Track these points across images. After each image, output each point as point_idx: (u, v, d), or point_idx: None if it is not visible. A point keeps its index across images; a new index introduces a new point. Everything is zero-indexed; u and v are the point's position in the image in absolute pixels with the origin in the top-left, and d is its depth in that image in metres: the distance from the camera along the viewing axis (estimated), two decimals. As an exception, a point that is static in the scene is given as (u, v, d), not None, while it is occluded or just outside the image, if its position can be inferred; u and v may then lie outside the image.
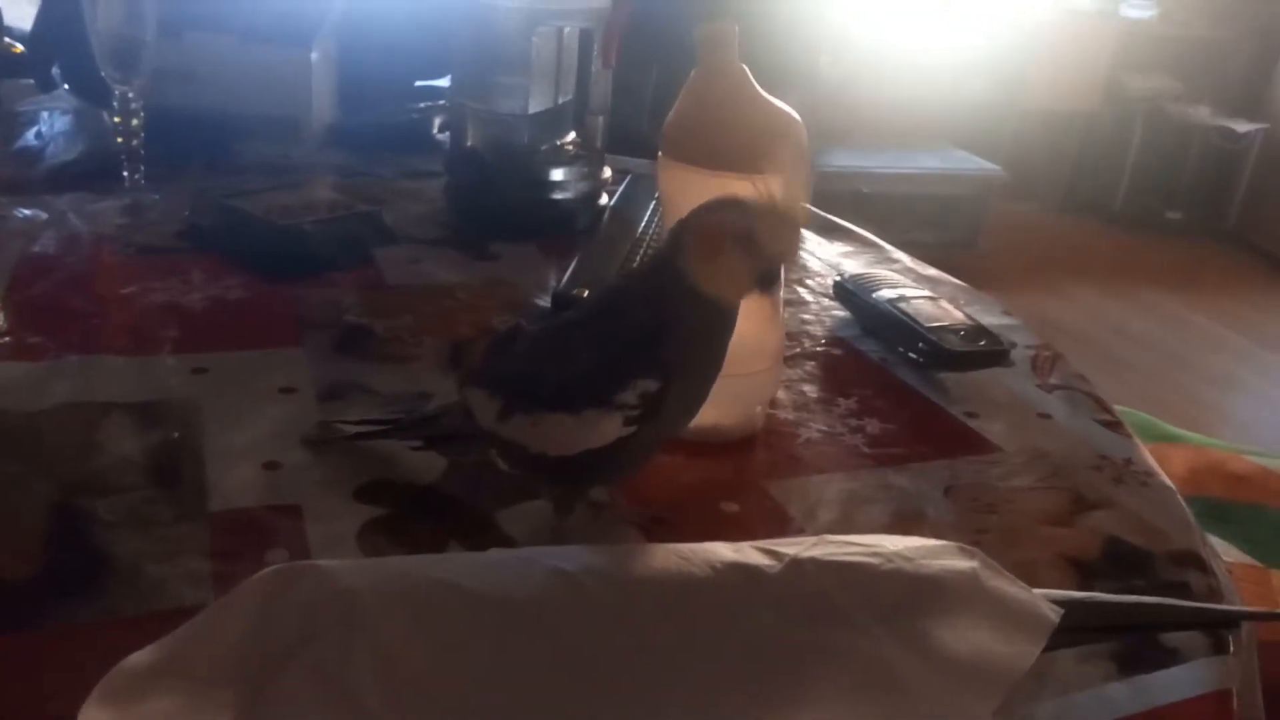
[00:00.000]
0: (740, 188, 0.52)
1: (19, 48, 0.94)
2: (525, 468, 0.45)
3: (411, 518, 0.48)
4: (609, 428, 0.40)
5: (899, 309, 0.72)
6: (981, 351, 0.68)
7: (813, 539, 0.38)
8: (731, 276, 0.42)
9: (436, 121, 1.09)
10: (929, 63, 3.52)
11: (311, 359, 0.62)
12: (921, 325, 0.69)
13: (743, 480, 0.54)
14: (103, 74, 0.75)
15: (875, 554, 0.38)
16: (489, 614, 0.33)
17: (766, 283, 0.43)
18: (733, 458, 0.56)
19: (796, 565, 0.36)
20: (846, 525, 0.50)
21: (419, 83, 1.15)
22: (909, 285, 0.78)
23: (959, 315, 0.72)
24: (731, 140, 0.52)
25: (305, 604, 0.32)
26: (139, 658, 0.32)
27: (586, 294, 0.71)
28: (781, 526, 0.50)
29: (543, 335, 0.47)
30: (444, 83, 1.15)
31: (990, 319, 0.74)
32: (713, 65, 0.52)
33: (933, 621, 0.35)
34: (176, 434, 0.52)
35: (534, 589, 0.33)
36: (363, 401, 0.58)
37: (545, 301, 0.75)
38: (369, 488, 0.49)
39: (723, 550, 0.37)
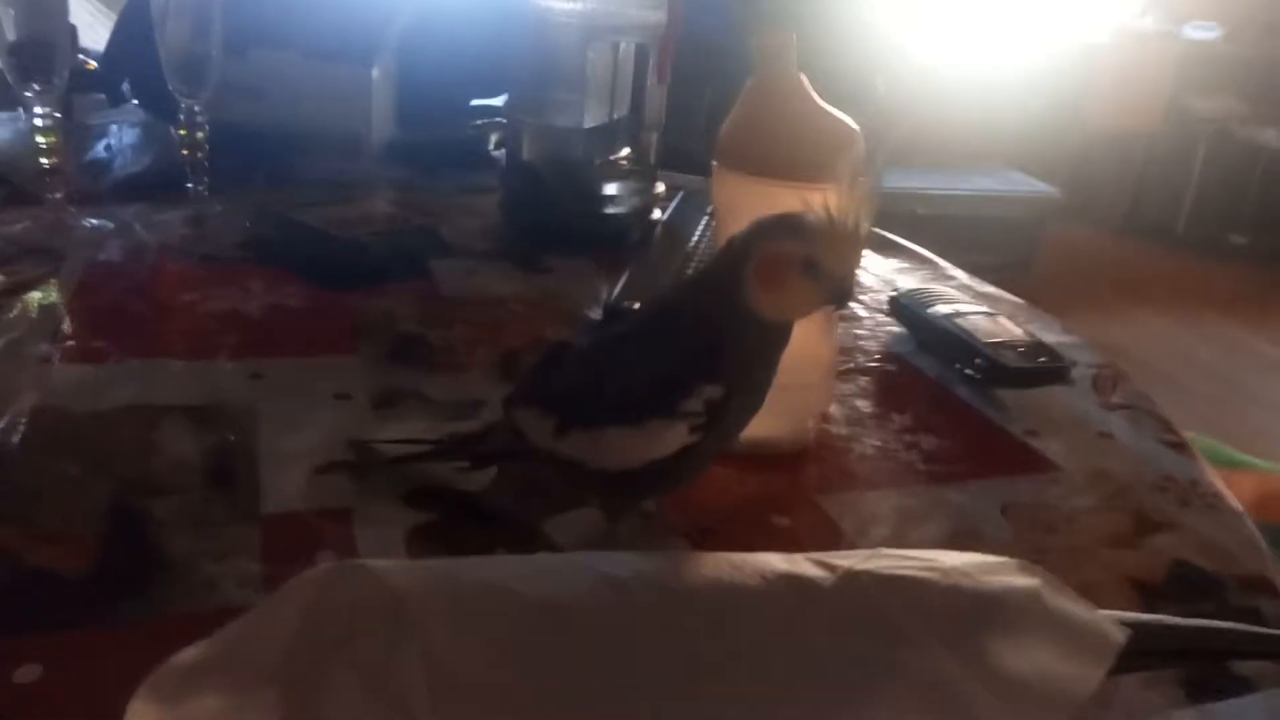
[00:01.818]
0: (797, 198, 0.52)
1: (92, 64, 0.97)
2: (582, 484, 0.44)
3: (460, 524, 0.48)
4: (673, 437, 0.40)
5: (956, 324, 0.70)
6: (1041, 369, 0.66)
7: (867, 552, 0.37)
8: (796, 302, 0.41)
9: (493, 138, 1.10)
10: (987, 83, 3.48)
11: (366, 367, 0.62)
12: (979, 341, 0.68)
13: (794, 494, 0.53)
14: (170, 88, 0.77)
15: (932, 569, 0.36)
16: (536, 618, 0.32)
17: (838, 302, 0.42)
18: (784, 471, 0.56)
19: (851, 578, 0.35)
20: (900, 541, 0.49)
21: (475, 100, 1.17)
22: (966, 301, 0.76)
23: (1017, 332, 0.70)
24: (789, 150, 0.51)
25: (352, 603, 0.32)
26: (187, 655, 0.32)
27: (637, 307, 0.71)
28: (833, 541, 0.49)
29: (594, 349, 0.47)
30: (499, 101, 1.16)
31: (1049, 337, 0.73)
32: (770, 73, 0.52)
33: (993, 640, 0.34)
34: (232, 437, 0.52)
35: (582, 594, 0.33)
36: (416, 409, 0.58)
37: (597, 314, 0.75)
38: (418, 494, 0.49)
39: (775, 561, 0.36)
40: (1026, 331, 0.70)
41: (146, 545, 0.43)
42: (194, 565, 0.42)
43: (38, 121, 0.73)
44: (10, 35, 0.70)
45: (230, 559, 0.43)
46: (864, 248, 0.41)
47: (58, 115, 0.74)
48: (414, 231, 0.85)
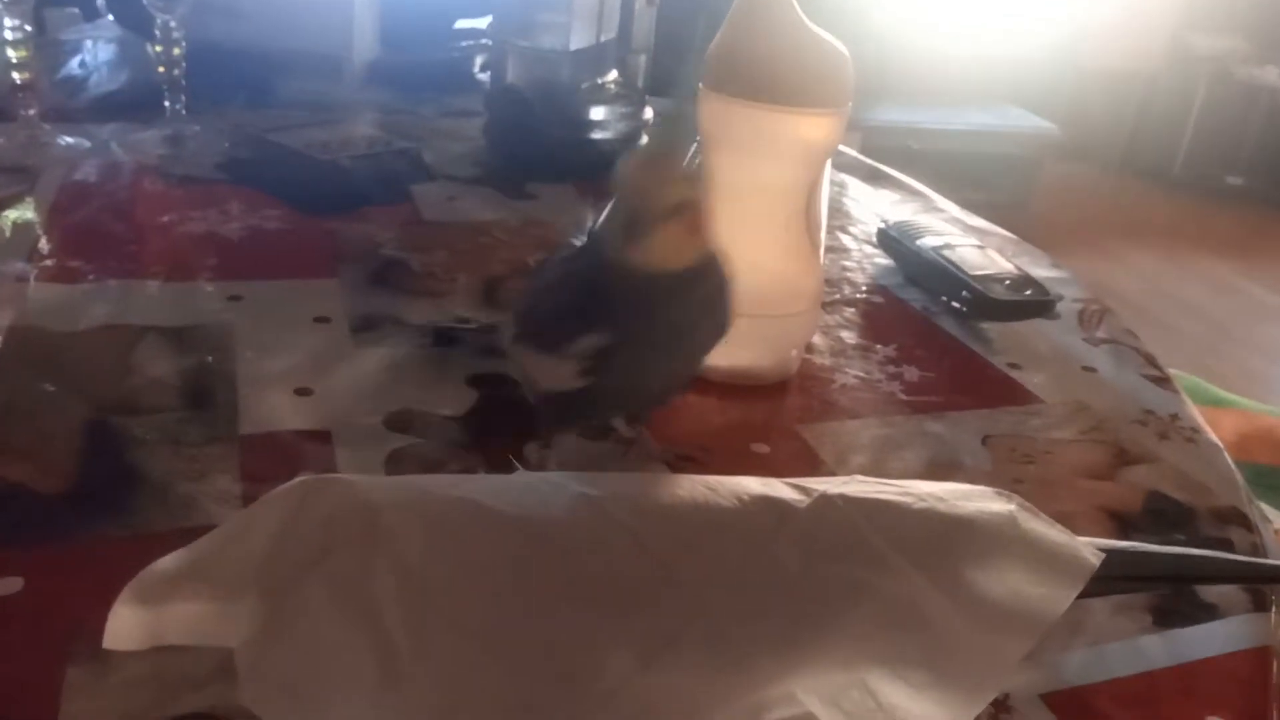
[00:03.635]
0: (786, 123, 0.51)
1: (66, -24, 0.94)
2: (530, 394, 0.47)
3: (440, 447, 0.48)
4: (565, 375, 0.40)
5: (943, 256, 0.70)
6: (1026, 301, 0.66)
7: (844, 478, 0.38)
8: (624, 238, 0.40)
9: (478, 61, 1.07)
10: (984, 17, 3.42)
11: (346, 290, 0.61)
12: (966, 273, 0.67)
13: (774, 422, 0.54)
14: (145, 2, 0.75)
15: (907, 494, 0.37)
16: (511, 534, 0.32)
17: (628, 227, 0.40)
18: (765, 400, 0.56)
19: (826, 501, 0.35)
20: (879, 470, 0.49)
21: (460, 22, 1.14)
22: (955, 234, 0.76)
23: (1006, 265, 0.70)
24: (778, 73, 0.50)
25: (327, 516, 0.32)
26: (167, 562, 0.33)
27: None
28: (812, 469, 0.49)
29: (550, 270, 0.47)
30: (485, 23, 1.13)
31: (1038, 271, 0.72)
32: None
33: (965, 562, 0.34)
34: (210, 358, 0.52)
35: (558, 512, 0.33)
36: (395, 334, 0.57)
37: (580, 242, 0.74)
38: (399, 416, 0.49)
39: (751, 484, 0.36)
40: (1015, 265, 0.70)
41: (124, 464, 0.43)
42: (172, 484, 0.42)
43: (8, 35, 0.71)
44: (-23, -57, 0.68)
45: (208, 478, 0.43)
46: (672, 184, 0.39)
47: (29, 29, 0.72)
48: (395, 155, 0.83)
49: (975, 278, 0.67)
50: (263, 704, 0.31)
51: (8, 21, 0.71)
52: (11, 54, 0.72)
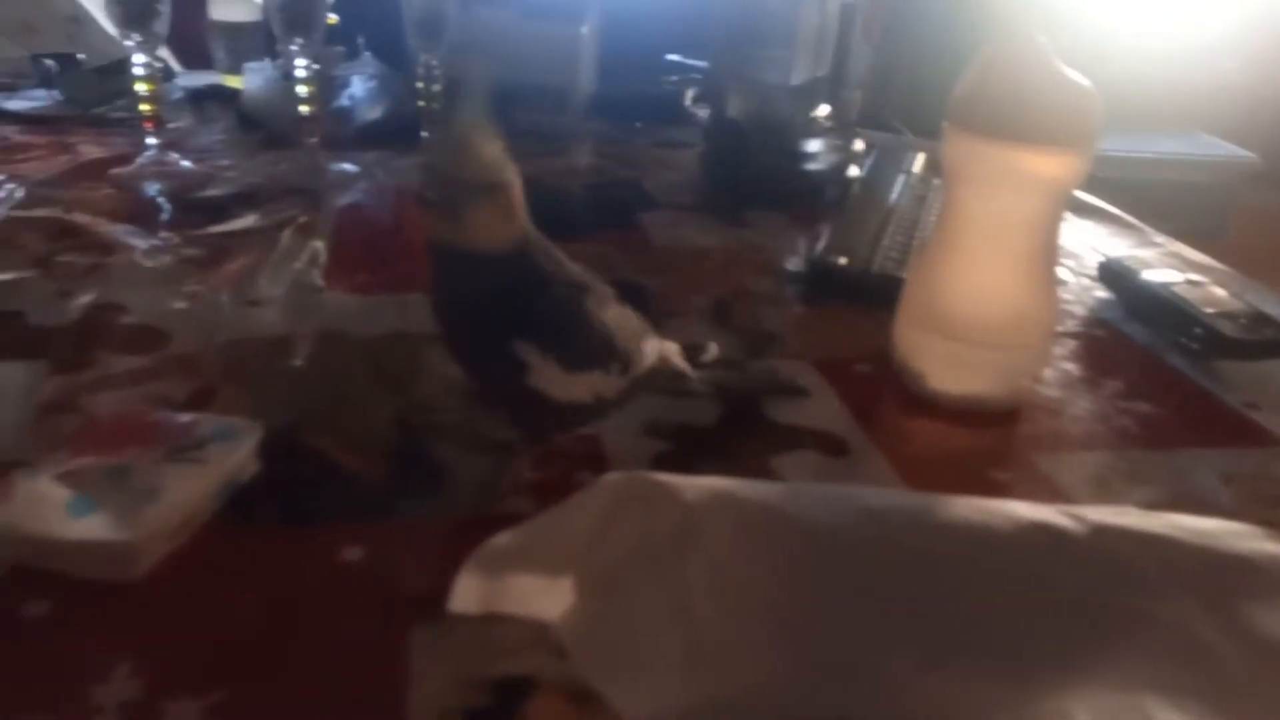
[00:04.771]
0: (1032, 161, 0.53)
1: (333, 19, 1.05)
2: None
3: (695, 456, 0.52)
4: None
5: (1171, 292, 0.69)
6: (1264, 341, 0.65)
7: (1115, 508, 0.39)
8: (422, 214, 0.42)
9: (688, 93, 1.13)
10: (1177, 43, 3.26)
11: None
12: (1198, 310, 0.67)
13: (1010, 450, 0.55)
14: (410, 43, 0.83)
15: (1179, 528, 0.38)
16: (806, 539, 0.36)
17: (434, 192, 0.41)
18: (997, 428, 0.57)
19: (1101, 531, 0.37)
20: (1120, 502, 0.50)
21: (670, 56, 1.20)
22: (1177, 268, 0.75)
23: (1236, 302, 0.69)
24: (1027, 112, 0.52)
25: (647, 510, 0.36)
26: (501, 539, 0.38)
27: (843, 261, 0.73)
28: (1053, 498, 0.50)
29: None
30: (694, 57, 1.18)
31: (1267, 307, 0.71)
32: (1012, 36, 0.52)
33: (1247, 601, 0.35)
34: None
35: (846, 521, 0.36)
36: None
37: (796, 266, 0.78)
38: (655, 425, 0.54)
39: (1022, 508, 0.38)
40: (1245, 302, 0.69)
41: (432, 454, 0.49)
42: (471, 474, 0.48)
43: (299, 73, 0.81)
44: (278, -7, 0.77)
45: (502, 471, 0.48)
46: (476, 150, 0.41)
47: (316, 67, 0.81)
48: (621, 184, 0.89)
49: (1208, 315, 0.66)
50: (591, 671, 0.35)
51: (299, 62, 0.80)
52: (301, 90, 0.81)
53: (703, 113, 1.10)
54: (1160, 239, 0.90)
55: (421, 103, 0.85)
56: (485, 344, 0.43)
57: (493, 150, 0.42)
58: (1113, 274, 0.75)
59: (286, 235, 0.73)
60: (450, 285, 0.43)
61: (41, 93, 1.08)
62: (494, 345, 0.43)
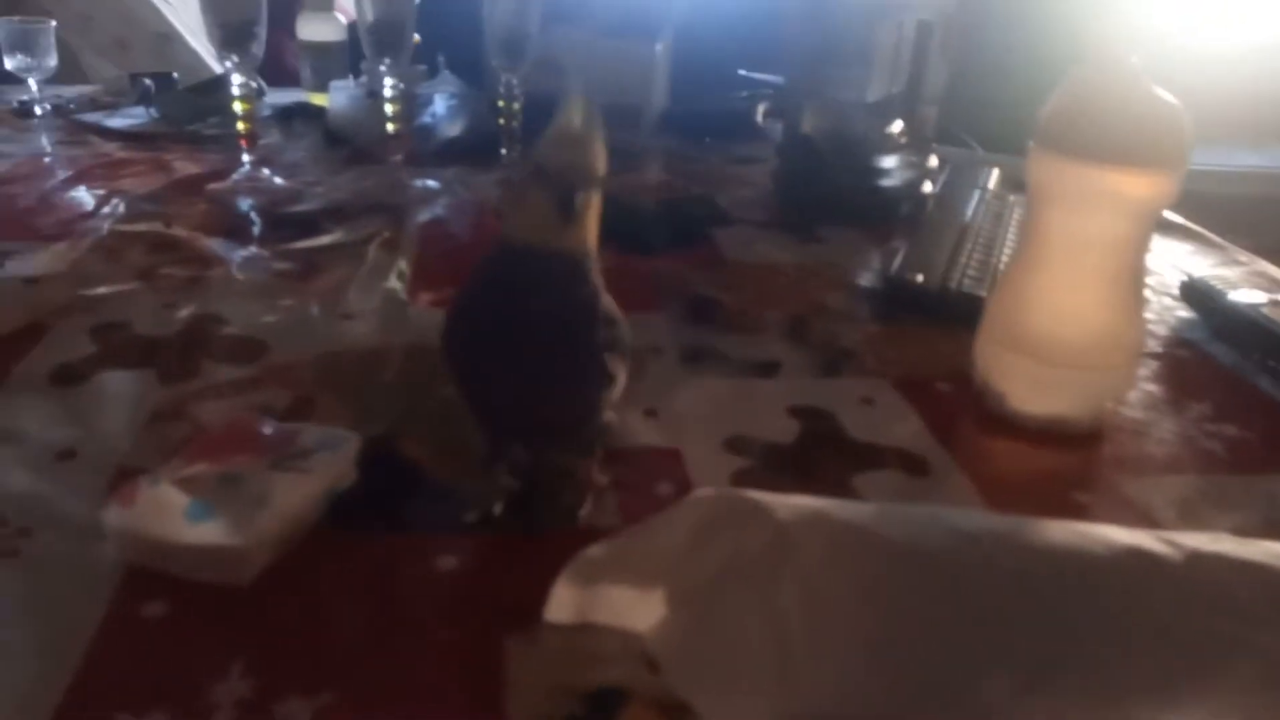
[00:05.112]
0: (1119, 182, 0.53)
1: (416, 38, 1.08)
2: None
3: (776, 473, 0.52)
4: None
5: (1260, 314, 0.68)
6: (1359, 365, 0.64)
7: (1210, 535, 0.39)
8: (532, 216, 0.40)
9: (759, 110, 1.13)
10: (1257, 53, 3.17)
11: (672, 324, 0.68)
12: (1287, 332, 0.66)
13: (1093, 472, 0.55)
14: (492, 61, 0.85)
15: (1276, 556, 0.37)
16: (898, 559, 0.36)
17: (561, 201, 0.40)
18: (1080, 450, 0.57)
19: (1197, 557, 0.36)
20: (1209, 527, 0.49)
21: (741, 72, 1.21)
22: (1264, 289, 0.74)
23: (1328, 325, 0.67)
24: (1116, 132, 0.52)
25: (742, 527, 0.37)
26: (595, 551, 0.39)
27: (920, 278, 0.73)
28: (1140, 522, 0.50)
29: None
30: (763, 73, 1.19)
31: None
32: (1104, 57, 0.52)
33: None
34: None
35: (939, 545, 0.37)
36: (717, 367, 0.63)
37: (871, 283, 0.78)
38: (735, 440, 0.54)
39: (1116, 533, 0.38)
40: (1337, 324, 0.67)
41: (519, 468, 0.50)
42: (557, 490, 0.49)
43: (387, 92, 0.84)
44: (370, 16, 0.80)
45: (584, 487, 0.49)
46: (595, 154, 0.40)
47: (403, 86, 0.84)
48: (696, 200, 0.90)
49: (1297, 337, 0.65)
50: (684, 684, 0.36)
51: (388, 81, 0.83)
52: (389, 108, 0.84)
53: (775, 128, 1.11)
54: (1244, 257, 0.89)
55: (501, 120, 0.87)
56: (570, 355, 0.43)
57: (601, 148, 0.42)
58: (1196, 294, 0.74)
59: (373, 250, 0.76)
60: (544, 290, 0.41)
61: (140, 110, 1.13)
62: (583, 357, 0.43)
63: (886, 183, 0.90)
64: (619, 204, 0.86)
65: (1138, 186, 0.53)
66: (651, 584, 0.38)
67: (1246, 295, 0.71)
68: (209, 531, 0.39)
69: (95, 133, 1.07)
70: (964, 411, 0.59)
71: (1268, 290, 0.73)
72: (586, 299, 0.43)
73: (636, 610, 0.39)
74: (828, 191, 0.89)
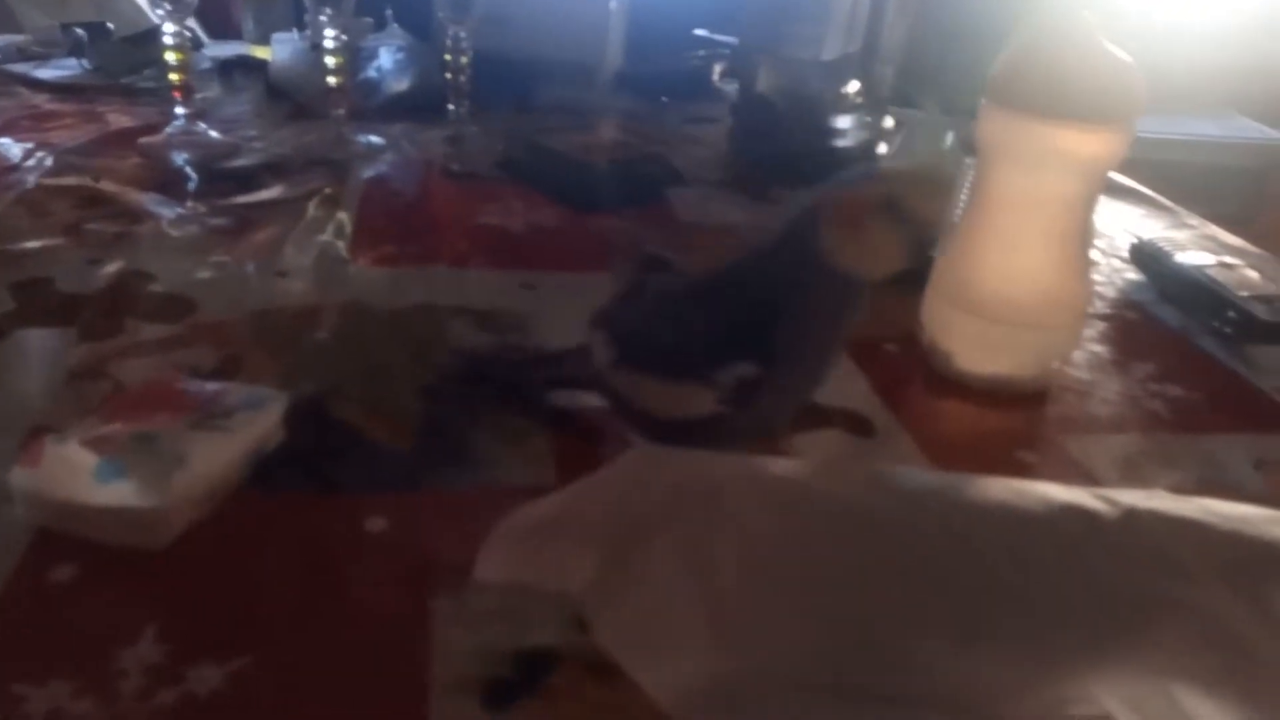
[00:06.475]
0: (1072, 137, 0.52)
1: (361, -10, 1.04)
2: (629, 418, 0.45)
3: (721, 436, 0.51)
4: (700, 403, 0.40)
5: (1205, 275, 0.68)
6: (1300, 325, 0.64)
7: (1146, 492, 0.39)
8: (874, 249, 0.40)
9: (716, 69, 1.11)
10: (1210, 21, 3.20)
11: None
12: (1231, 293, 0.66)
13: (1037, 432, 0.55)
14: (438, 15, 0.83)
15: (1211, 513, 0.37)
16: (835, 517, 0.36)
17: (916, 249, 0.40)
18: (1025, 409, 0.57)
19: (1133, 514, 0.36)
20: (1149, 484, 0.49)
21: (698, 31, 1.18)
22: (1212, 252, 0.74)
23: (1270, 286, 0.68)
24: (1067, 87, 0.51)
25: (675, 484, 0.36)
26: (527, 511, 0.38)
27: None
28: (1082, 480, 0.50)
29: (669, 294, 0.47)
30: (721, 33, 1.17)
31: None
32: (1059, 13, 0.51)
33: (1277, 587, 0.34)
34: (511, 339, 0.58)
35: (877, 501, 0.36)
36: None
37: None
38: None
39: (1054, 490, 0.38)
40: (1279, 285, 0.68)
41: (455, 426, 0.49)
42: (493, 447, 0.48)
43: (328, 44, 0.81)
44: (308, -37, 0.77)
45: (525, 444, 0.48)
46: (945, 201, 0.40)
47: (345, 38, 0.81)
48: (649, 160, 0.88)
49: (1241, 298, 0.65)
50: (614, 645, 0.35)
51: (329, 32, 0.80)
52: (330, 61, 0.81)
53: (730, 88, 1.09)
54: (1194, 221, 0.89)
55: (449, 75, 0.85)
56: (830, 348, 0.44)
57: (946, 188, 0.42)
58: (1145, 256, 0.74)
59: (312, 206, 0.73)
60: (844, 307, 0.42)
61: (71, 62, 1.08)
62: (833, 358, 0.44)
63: (842, 143, 0.89)
64: (570, 163, 0.85)
65: (1087, 143, 0.52)
66: (583, 544, 0.37)
67: (1194, 257, 0.71)
68: (120, 492, 0.38)
69: (23, 84, 1.02)
70: (911, 373, 0.59)
71: (1215, 253, 0.73)
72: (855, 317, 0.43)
73: (567, 570, 0.38)
74: (782, 151, 0.88)
